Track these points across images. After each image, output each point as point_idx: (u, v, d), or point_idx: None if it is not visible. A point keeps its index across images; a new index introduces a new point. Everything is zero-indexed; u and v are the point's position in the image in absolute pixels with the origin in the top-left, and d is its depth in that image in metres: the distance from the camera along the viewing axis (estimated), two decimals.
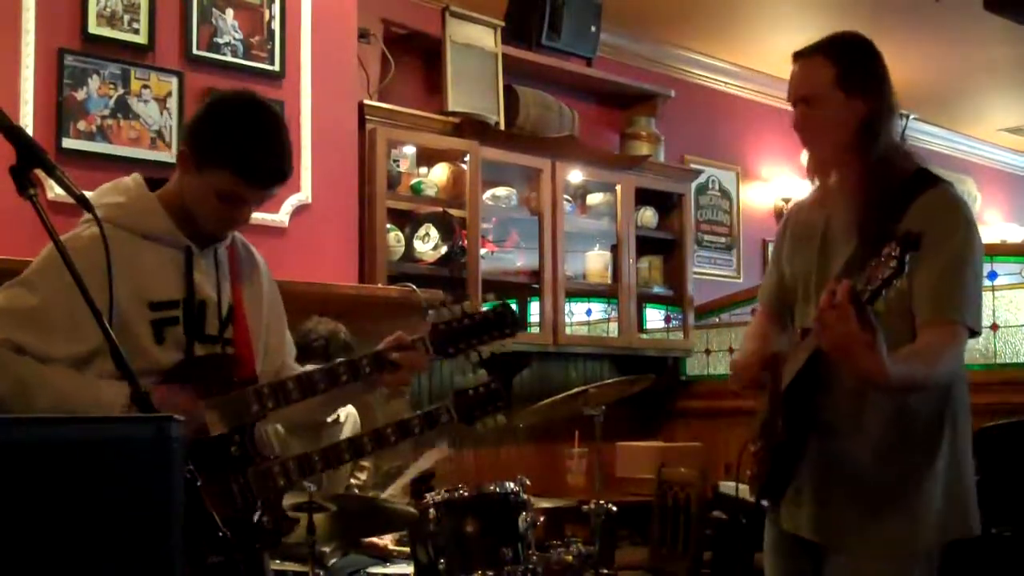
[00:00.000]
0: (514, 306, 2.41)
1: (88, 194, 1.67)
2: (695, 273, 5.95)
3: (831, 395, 2.16)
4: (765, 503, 2.35)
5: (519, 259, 5.29)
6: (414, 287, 4.27)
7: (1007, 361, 5.45)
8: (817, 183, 2.34)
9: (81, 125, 3.61)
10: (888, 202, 2.13)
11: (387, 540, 3.71)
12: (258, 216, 3.36)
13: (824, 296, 1.93)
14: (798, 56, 2.28)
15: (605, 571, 3.79)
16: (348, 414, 3.69)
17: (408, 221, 4.80)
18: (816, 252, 2.26)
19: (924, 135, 8.12)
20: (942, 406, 2.17)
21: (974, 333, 2.12)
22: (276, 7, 4.07)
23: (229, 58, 3.95)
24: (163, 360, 2.04)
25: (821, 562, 2.24)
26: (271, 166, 2.06)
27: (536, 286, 5.14)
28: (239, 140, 2.03)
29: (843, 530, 2.18)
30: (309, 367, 2.28)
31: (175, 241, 2.08)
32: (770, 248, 2.70)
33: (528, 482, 3.17)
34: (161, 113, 3.76)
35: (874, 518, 2.15)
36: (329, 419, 3.50)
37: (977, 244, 2.16)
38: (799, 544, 2.27)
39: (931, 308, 2.09)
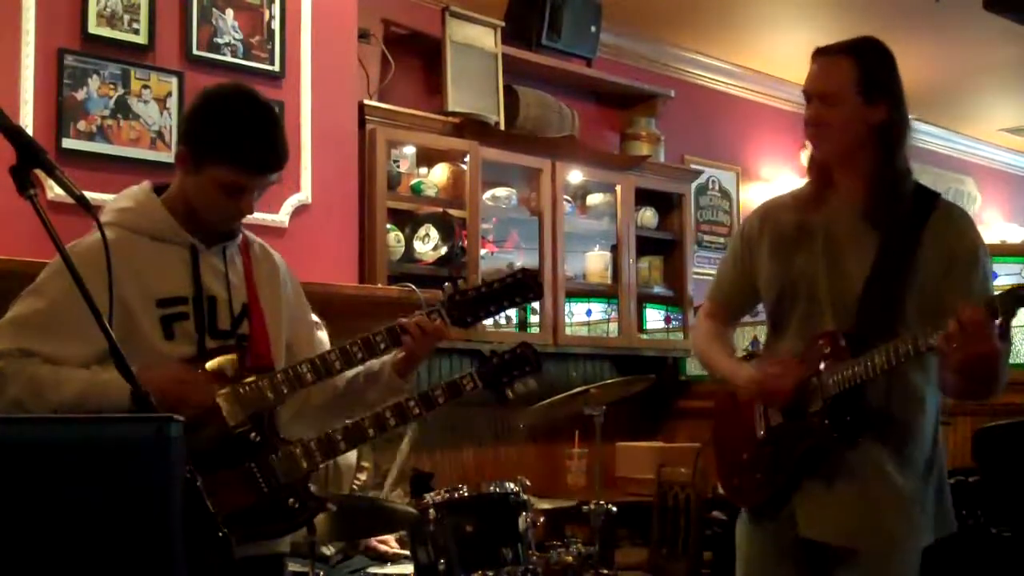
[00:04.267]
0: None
1: (102, 198, 1.65)
2: (695, 273, 5.94)
3: (883, 402, 2.20)
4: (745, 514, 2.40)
5: (519, 259, 5.28)
6: (414, 287, 4.27)
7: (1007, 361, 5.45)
8: (806, 184, 2.36)
9: (81, 125, 3.60)
10: (907, 212, 2.23)
11: (391, 541, 3.71)
12: (258, 216, 3.37)
13: (964, 316, 1.96)
14: (822, 53, 2.28)
15: (605, 571, 3.79)
16: None
17: (408, 221, 4.80)
18: (821, 254, 2.28)
19: (924, 135, 8.11)
20: (939, 412, 2.30)
21: None
22: (276, 7, 4.06)
23: (229, 58, 3.94)
24: (173, 354, 2.08)
25: (829, 568, 2.24)
26: (266, 151, 2.11)
27: None
28: (232, 131, 2.08)
29: (883, 536, 2.20)
30: None
31: (180, 240, 2.13)
32: None
33: (528, 482, 3.18)
34: (161, 113, 3.76)
35: (909, 524, 2.21)
36: None
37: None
38: (810, 551, 2.26)
39: None
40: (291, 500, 2.11)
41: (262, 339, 2.19)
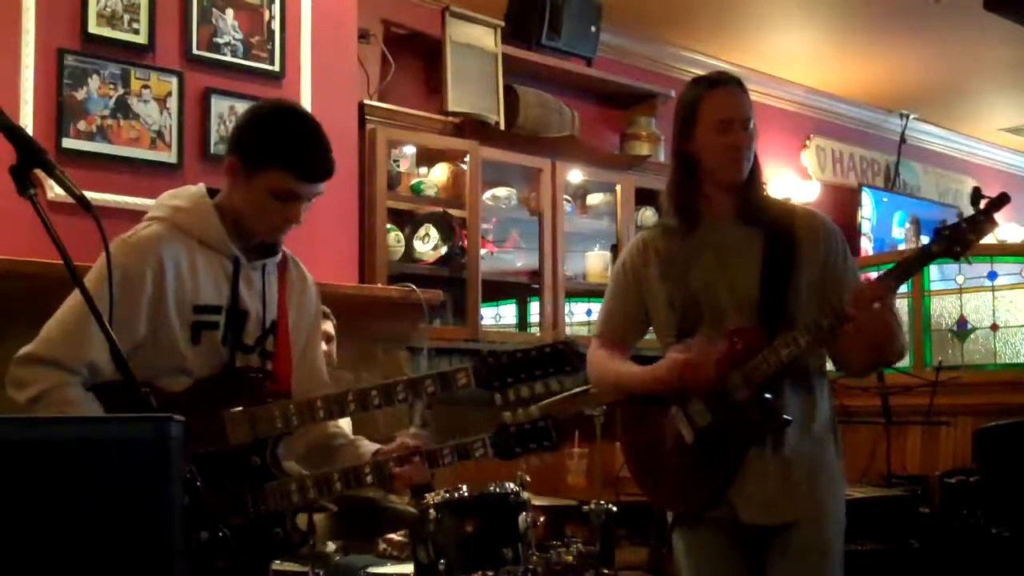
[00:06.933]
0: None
1: (103, 198, 1.68)
2: None
3: (786, 392, 2.36)
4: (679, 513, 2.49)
5: (519, 259, 5.28)
6: (414, 287, 4.27)
7: (1007, 361, 5.45)
8: (670, 217, 2.52)
9: (81, 125, 3.61)
10: (776, 208, 2.50)
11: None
12: None
13: (856, 296, 2.24)
14: (725, 82, 2.59)
15: (605, 571, 3.79)
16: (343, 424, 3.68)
17: (408, 221, 4.80)
18: (714, 265, 2.43)
19: (924, 135, 8.12)
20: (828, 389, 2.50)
21: None
22: (276, 7, 4.06)
23: (229, 58, 3.94)
24: (193, 361, 2.10)
25: (766, 546, 2.37)
26: (320, 161, 2.20)
27: (536, 286, 5.14)
28: (288, 140, 2.15)
29: (816, 506, 2.36)
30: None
31: (226, 249, 2.15)
32: None
33: (528, 478, 3.18)
34: (161, 113, 3.76)
35: (833, 496, 2.40)
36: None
37: None
38: (749, 536, 2.37)
39: None
40: (276, 530, 2.08)
41: (284, 359, 2.21)
